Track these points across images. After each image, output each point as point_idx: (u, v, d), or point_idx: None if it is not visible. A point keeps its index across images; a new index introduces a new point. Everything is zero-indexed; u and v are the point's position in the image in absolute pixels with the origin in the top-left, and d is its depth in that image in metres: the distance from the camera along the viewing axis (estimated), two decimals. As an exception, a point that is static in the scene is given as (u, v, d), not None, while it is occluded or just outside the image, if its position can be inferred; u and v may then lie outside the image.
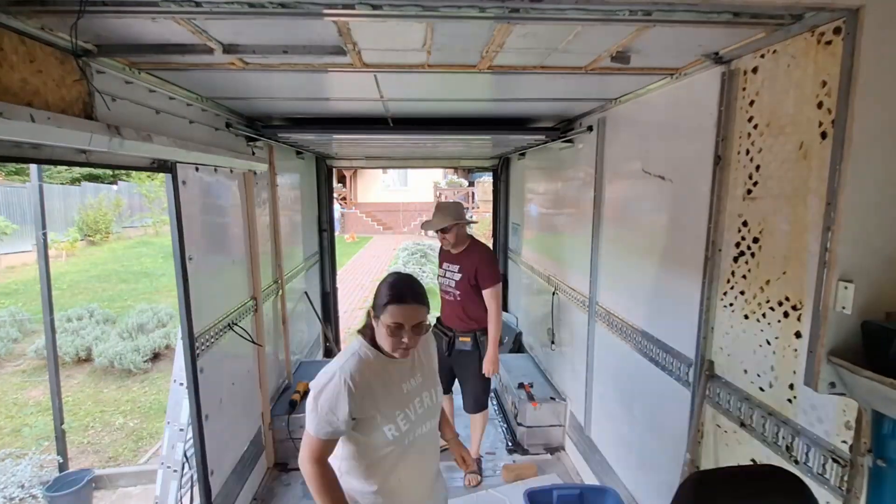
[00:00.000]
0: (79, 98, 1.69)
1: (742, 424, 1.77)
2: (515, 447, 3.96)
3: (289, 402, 3.72)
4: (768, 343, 1.63)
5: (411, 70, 2.04)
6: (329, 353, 5.94)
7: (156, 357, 6.90)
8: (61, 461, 3.62)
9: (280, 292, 4.07)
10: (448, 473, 3.66)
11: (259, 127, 3.37)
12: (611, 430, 3.03)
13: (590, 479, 3.28)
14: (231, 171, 3.05)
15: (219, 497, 2.72)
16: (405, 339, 1.52)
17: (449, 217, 3.19)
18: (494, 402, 4.83)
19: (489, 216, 7.45)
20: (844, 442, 1.36)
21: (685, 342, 2.12)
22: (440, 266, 3.49)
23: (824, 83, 1.37)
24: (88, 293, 10.65)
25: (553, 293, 4.01)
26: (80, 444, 4.70)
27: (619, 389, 2.85)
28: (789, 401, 1.55)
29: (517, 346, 5.40)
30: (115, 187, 18.65)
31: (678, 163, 2.20)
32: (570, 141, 3.53)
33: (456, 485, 3.48)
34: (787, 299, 1.53)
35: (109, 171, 17.83)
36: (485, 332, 3.25)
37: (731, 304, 1.82)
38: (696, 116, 2.01)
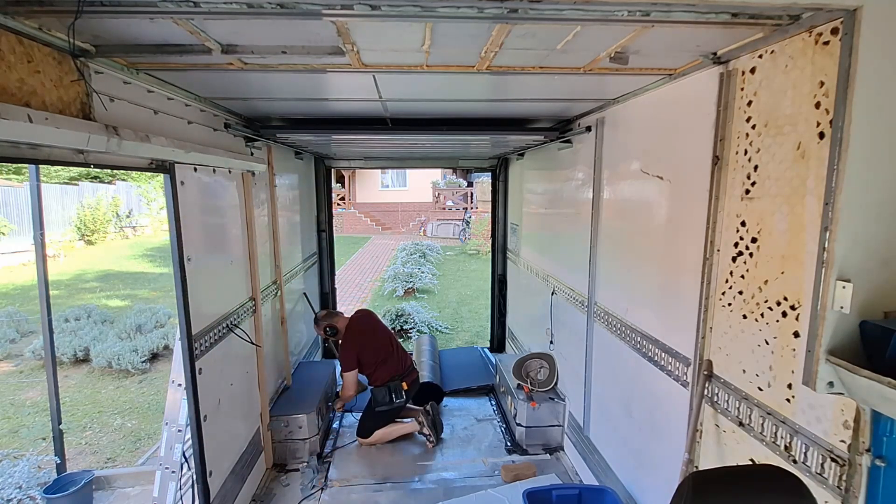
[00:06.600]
0: (77, 98, 1.68)
1: (740, 424, 1.77)
2: (514, 447, 3.96)
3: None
4: (767, 343, 1.63)
5: (410, 70, 2.04)
6: (328, 354, 5.91)
7: (154, 357, 6.88)
8: (59, 462, 3.60)
9: (279, 293, 4.07)
10: (453, 472, 3.65)
11: (258, 127, 3.37)
12: (609, 430, 3.03)
13: (589, 480, 3.29)
14: (229, 172, 3.04)
15: (217, 498, 2.72)
16: None
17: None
18: (493, 403, 4.84)
19: (488, 216, 7.44)
20: (843, 441, 1.36)
21: (684, 342, 2.12)
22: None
23: (822, 83, 1.37)
24: (86, 293, 10.62)
25: (552, 293, 4.02)
26: (77, 444, 4.68)
27: (618, 389, 2.85)
28: (788, 400, 1.55)
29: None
30: (112, 187, 18.60)
31: (676, 163, 2.20)
32: (568, 141, 3.53)
33: (455, 485, 3.49)
34: (785, 299, 1.54)
35: (108, 171, 17.79)
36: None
37: (729, 304, 1.83)
38: (695, 117, 2.01)
